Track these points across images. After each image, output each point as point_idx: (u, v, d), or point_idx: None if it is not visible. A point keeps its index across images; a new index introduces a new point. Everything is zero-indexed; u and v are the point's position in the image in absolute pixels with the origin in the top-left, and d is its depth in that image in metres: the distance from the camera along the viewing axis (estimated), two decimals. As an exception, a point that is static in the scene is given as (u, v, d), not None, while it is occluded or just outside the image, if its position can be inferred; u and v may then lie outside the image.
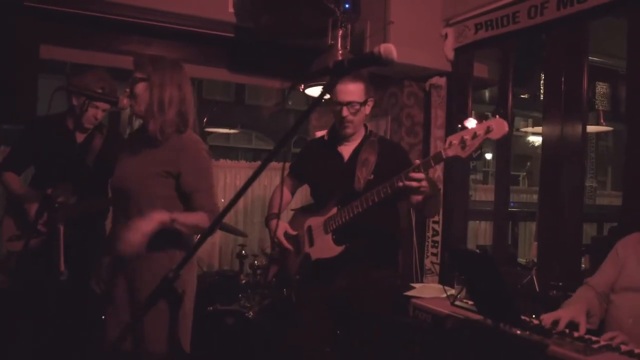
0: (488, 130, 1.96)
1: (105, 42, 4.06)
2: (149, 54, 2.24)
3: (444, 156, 2.06)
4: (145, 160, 2.12)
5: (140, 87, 2.10)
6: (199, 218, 2.07)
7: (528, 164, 15.19)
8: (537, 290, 2.94)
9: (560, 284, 2.81)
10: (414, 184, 2.09)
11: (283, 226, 2.57)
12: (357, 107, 2.42)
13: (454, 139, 2.03)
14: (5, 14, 3.36)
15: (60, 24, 3.83)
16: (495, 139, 1.97)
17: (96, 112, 2.90)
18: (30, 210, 2.77)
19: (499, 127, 1.96)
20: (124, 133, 4.04)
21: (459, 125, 2.02)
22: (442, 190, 3.92)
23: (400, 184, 2.11)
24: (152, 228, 1.94)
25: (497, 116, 1.96)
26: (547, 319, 2.13)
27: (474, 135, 1.98)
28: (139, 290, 2.05)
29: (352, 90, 2.39)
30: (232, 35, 4.10)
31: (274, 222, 2.54)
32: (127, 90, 2.11)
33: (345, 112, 2.40)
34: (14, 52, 3.25)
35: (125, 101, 2.18)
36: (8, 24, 3.27)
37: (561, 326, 2.07)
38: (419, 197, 2.27)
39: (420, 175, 2.09)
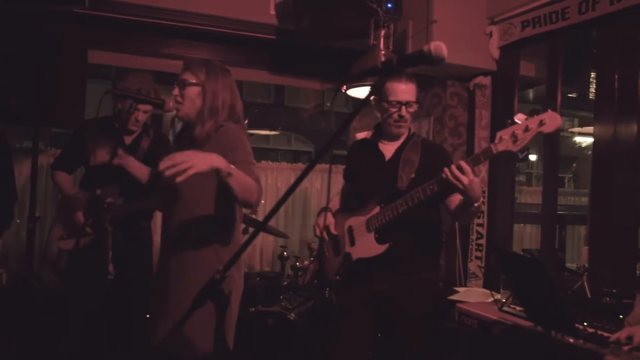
0: (541, 124, 1.90)
1: (150, 46, 4.15)
2: (200, 58, 2.25)
3: (494, 151, 2.00)
4: None
5: (193, 92, 2.11)
6: (251, 182, 1.96)
7: (574, 165, 14.72)
8: (589, 296, 2.83)
9: (614, 290, 2.69)
10: (460, 177, 2.02)
11: (330, 219, 2.57)
12: (415, 107, 2.42)
13: (505, 134, 1.97)
14: (55, 21, 3.48)
15: (107, 29, 3.95)
16: (549, 132, 1.91)
17: (137, 114, 2.96)
18: (80, 209, 2.85)
19: (552, 120, 1.90)
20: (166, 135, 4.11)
21: (509, 121, 1.96)
22: (486, 192, 3.84)
23: (444, 175, 2.04)
24: (206, 167, 1.75)
25: (550, 109, 1.89)
26: (618, 335, 2.00)
27: (526, 128, 1.92)
28: (186, 287, 2.06)
29: (409, 89, 2.39)
30: (273, 37, 4.12)
31: (322, 214, 2.54)
32: (176, 92, 2.13)
33: (404, 111, 2.39)
34: (64, 58, 3.36)
35: (171, 103, 2.21)
36: (58, 31, 3.38)
37: (637, 341, 1.95)
38: (459, 199, 2.21)
39: (467, 167, 2.02)
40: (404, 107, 2.39)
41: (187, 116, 2.14)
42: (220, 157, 1.82)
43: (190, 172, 1.70)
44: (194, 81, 2.11)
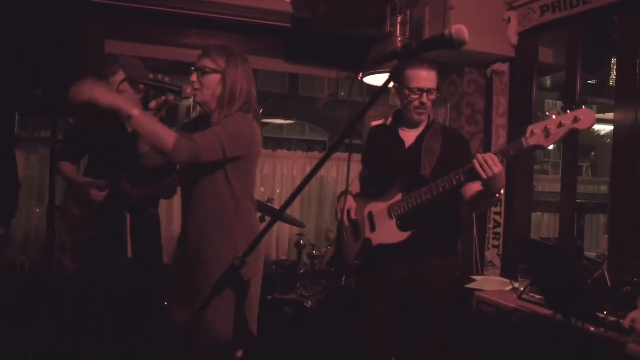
0: (575, 120, 1.88)
1: (167, 35, 4.16)
2: (219, 45, 2.24)
3: (525, 145, 1.99)
4: None
5: (212, 79, 2.10)
6: (163, 130, 1.91)
7: (592, 154, 14.52)
8: (609, 285, 2.80)
9: (635, 279, 2.66)
10: (493, 168, 2.02)
11: (351, 203, 2.56)
12: (436, 94, 2.42)
13: (537, 128, 1.95)
14: (73, 10, 3.50)
15: (124, 19, 3.96)
16: (583, 129, 1.89)
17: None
18: (91, 197, 2.84)
19: (587, 117, 1.88)
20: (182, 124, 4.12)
21: (539, 114, 1.95)
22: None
23: (476, 164, 2.04)
24: (105, 99, 1.90)
25: (584, 106, 1.88)
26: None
27: (560, 124, 1.90)
28: (202, 274, 2.07)
29: (431, 77, 2.38)
30: (289, 25, 4.10)
31: (342, 198, 2.55)
32: (194, 78, 2.12)
33: (425, 98, 2.39)
34: (82, 48, 3.37)
35: (189, 90, 2.20)
36: (76, 21, 3.40)
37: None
38: (476, 189, 2.22)
39: (496, 159, 2.02)
40: (425, 95, 2.38)
41: (205, 103, 2.14)
42: (128, 101, 1.93)
43: (86, 96, 1.89)
44: (214, 68, 2.10)
